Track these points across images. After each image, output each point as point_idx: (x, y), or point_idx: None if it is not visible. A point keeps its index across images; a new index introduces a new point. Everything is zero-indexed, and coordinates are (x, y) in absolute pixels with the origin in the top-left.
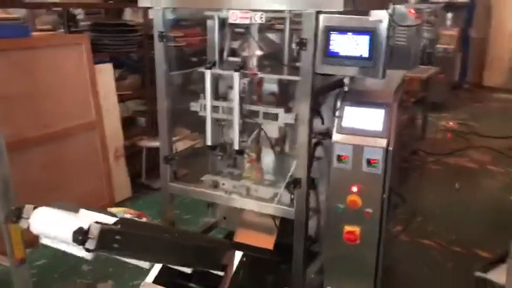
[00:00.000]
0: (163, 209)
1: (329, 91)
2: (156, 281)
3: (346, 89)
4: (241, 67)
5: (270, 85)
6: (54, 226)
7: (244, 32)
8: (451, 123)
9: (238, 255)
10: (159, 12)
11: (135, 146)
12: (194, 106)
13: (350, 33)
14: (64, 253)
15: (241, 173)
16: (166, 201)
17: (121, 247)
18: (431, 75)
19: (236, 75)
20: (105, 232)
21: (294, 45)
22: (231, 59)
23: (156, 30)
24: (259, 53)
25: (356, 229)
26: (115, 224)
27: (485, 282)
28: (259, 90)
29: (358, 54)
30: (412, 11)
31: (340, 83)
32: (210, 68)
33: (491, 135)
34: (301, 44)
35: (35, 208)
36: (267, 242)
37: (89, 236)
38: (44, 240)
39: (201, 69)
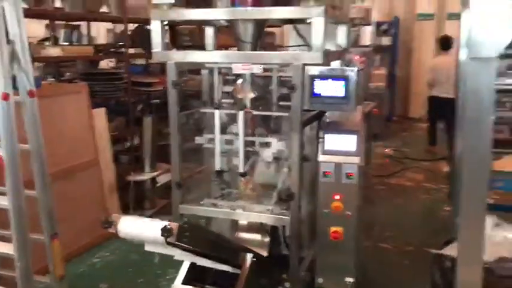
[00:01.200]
0: None
1: (309, 123)
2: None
3: (327, 120)
4: (244, 106)
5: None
6: (142, 228)
7: (234, 79)
8: (387, 150)
9: (249, 257)
10: (172, 66)
11: (122, 181)
12: (199, 140)
13: (330, 79)
14: (82, 272)
15: (237, 192)
16: (177, 221)
17: (189, 242)
18: (370, 109)
19: (241, 114)
20: (181, 229)
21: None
22: (227, 100)
23: (170, 79)
24: (252, 95)
25: (340, 229)
26: (184, 223)
27: (440, 256)
28: (254, 124)
29: (336, 95)
30: (357, 57)
31: (316, 116)
32: (218, 108)
33: (421, 159)
34: (292, 88)
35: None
36: (261, 252)
37: (171, 232)
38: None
39: (206, 109)
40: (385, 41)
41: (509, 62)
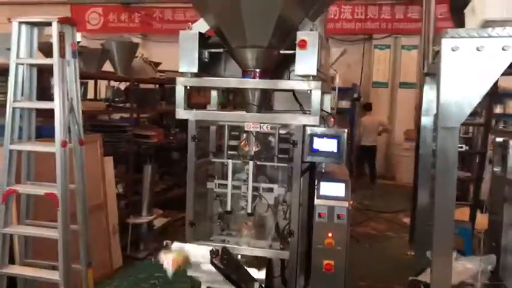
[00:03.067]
0: None
1: (304, 173)
2: None
3: (323, 170)
4: (252, 158)
5: (265, 170)
6: (191, 251)
7: (238, 134)
8: (351, 202)
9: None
10: (192, 122)
11: (120, 223)
12: (210, 184)
13: (325, 138)
14: None
15: (237, 233)
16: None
17: (225, 266)
18: None
19: (251, 163)
20: (223, 252)
21: (276, 143)
22: (230, 152)
23: (190, 134)
24: (256, 148)
25: (331, 262)
26: (224, 248)
27: (416, 282)
28: (257, 173)
29: (330, 150)
30: (333, 119)
31: (308, 168)
32: (231, 158)
33: (381, 211)
34: (294, 143)
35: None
36: None
37: (218, 253)
38: None
39: (218, 159)
40: (344, 104)
41: None
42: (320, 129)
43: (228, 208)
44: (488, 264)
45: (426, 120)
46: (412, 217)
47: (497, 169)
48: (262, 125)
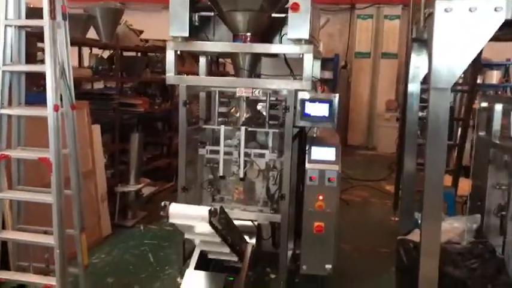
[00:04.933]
0: None
1: (295, 138)
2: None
3: (315, 135)
4: (246, 124)
5: (255, 135)
6: (190, 211)
7: (228, 101)
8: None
9: (250, 246)
10: (183, 88)
11: (108, 191)
12: (201, 151)
13: (317, 102)
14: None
15: (229, 198)
16: None
17: (223, 226)
18: None
19: (243, 129)
20: (221, 212)
21: (267, 109)
22: (220, 119)
23: (182, 99)
24: (247, 114)
25: (322, 224)
26: (221, 208)
27: (405, 241)
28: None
29: (322, 115)
30: (321, 86)
31: (299, 134)
32: (223, 124)
33: (363, 179)
34: (286, 108)
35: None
36: None
37: (216, 213)
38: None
39: (210, 126)
40: (328, 74)
41: None
42: (312, 94)
43: (221, 173)
44: (474, 223)
45: (413, 87)
46: (397, 184)
47: (482, 133)
48: (254, 90)
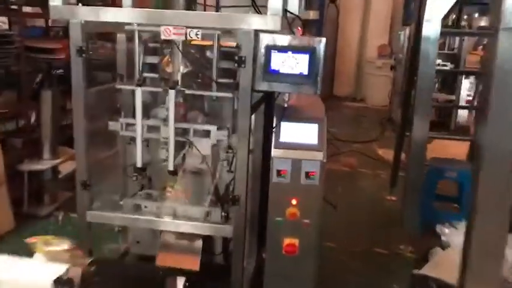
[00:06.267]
0: (81, 239)
1: (258, 107)
2: None
3: (285, 105)
4: (176, 83)
5: (198, 102)
6: (24, 275)
7: (162, 47)
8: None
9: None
10: (77, 26)
11: (13, 170)
12: (113, 125)
13: (291, 52)
14: None
15: (160, 193)
16: (84, 231)
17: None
18: None
19: (172, 93)
20: (87, 276)
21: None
22: (150, 75)
23: (74, 44)
24: (184, 69)
25: (295, 241)
26: (92, 263)
27: (421, 279)
28: (186, 108)
29: (297, 72)
30: (299, 28)
31: (265, 99)
32: (140, 85)
33: (351, 140)
34: (240, 61)
35: None
36: (191, 263)
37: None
38: None
39: (124, 86)
40: (312, 15)
41: None
42: (283, 38)
43: (139, 163)
44: None
45: (429, 29)
46: (396, 153)
47: None
48: (189, 30)
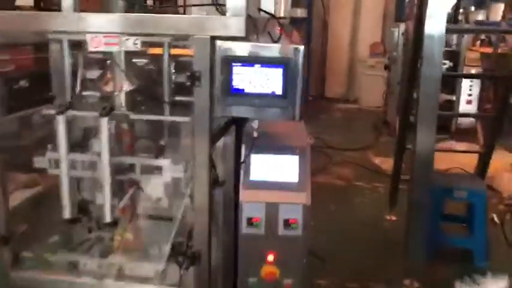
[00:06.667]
0: None
1: (223, 134)
2: None
3: (255, 134)
4: (111, 109)
5: (146, 128)
6: None
7: (103, 59)
8: (309, 139)
9: None
10: None
11: None
12: (40, 162)
13: (258, 65)
14: None
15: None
16: None
17: None
18: None
19: (104, 121)
20: None
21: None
22: (88, 93)
23: None
24: (128, 87)
25: None
26: None
27: None
28: (133, 136)
29: (268, 92)
30: (278, 28)
31: (235, 123)
32: (62, 112)
33: (345, 148)
34: (194, 78)
35: None
36: None
37: None
38: None
39: (48, 110)
40: (299, 13)
41: None
42: (247, 47)
43: (66, 213)
44: None
45: (433, 27)
46: (396, 169)
47: None
48: (125, 38)
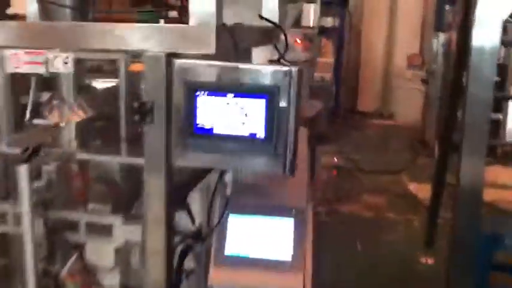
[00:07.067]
0: None
1: (195, 184)
2: None
3: (228, 192)
4: (35, 151)
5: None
6: None
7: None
8: (335, 159)
9: None
10: None
11: None
12: None
13: (231, 95)
14: None
15: None
16: None
17: None
18: (319, 111)
19: (24, 170)
20: None
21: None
22: (37, 121)
23: None
24: (79, 116)
25: None
26: None
27: None
28: (85, 180)
29: (245, 133)
30: (299, 40)
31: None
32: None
33: (376, 170)
34: (144, 112)
35: None
36: None
37: None
38: None
39: None
40: (330, 22)
41: None
42: (215, 68)
43: None
44: None
45: (483, 37)
46: (435, 195)
47: None
48: (53, 56)
